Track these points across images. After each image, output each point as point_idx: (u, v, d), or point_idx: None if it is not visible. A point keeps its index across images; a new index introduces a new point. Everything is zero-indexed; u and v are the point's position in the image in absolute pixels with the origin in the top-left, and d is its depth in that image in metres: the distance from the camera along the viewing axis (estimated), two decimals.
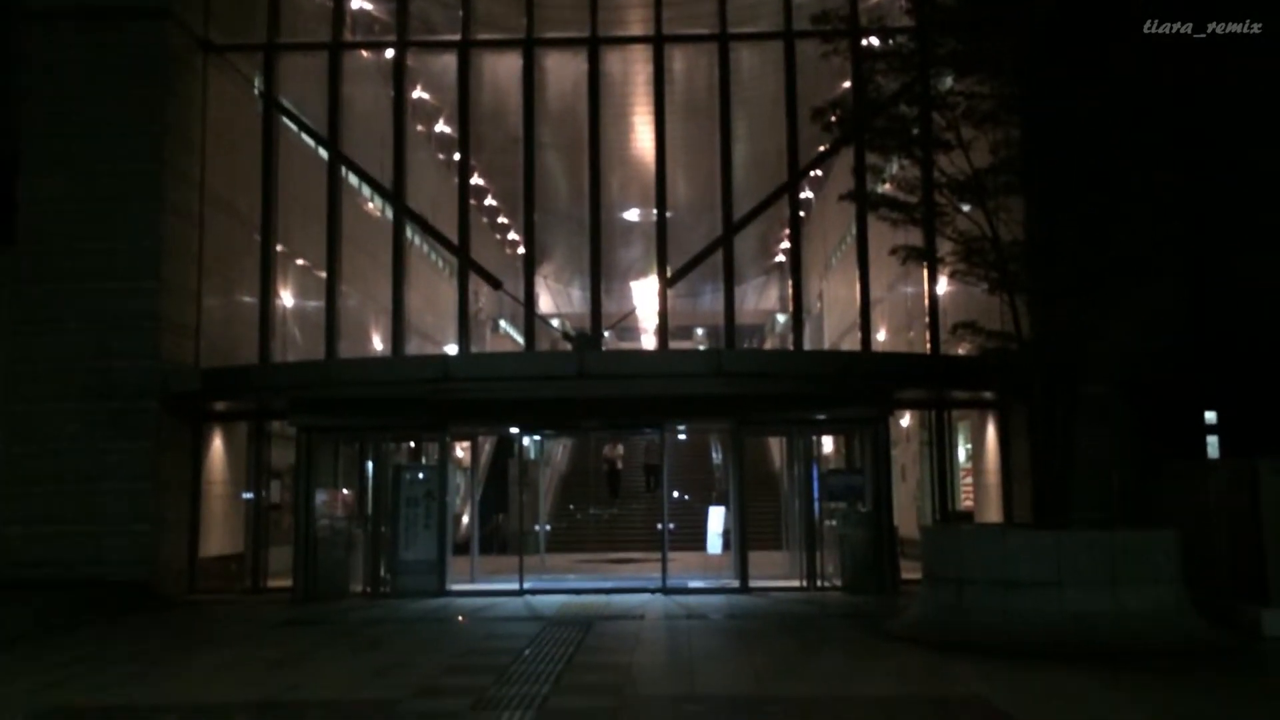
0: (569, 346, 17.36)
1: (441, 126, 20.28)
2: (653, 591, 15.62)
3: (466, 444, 21.36)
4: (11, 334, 15.93)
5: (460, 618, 13.59)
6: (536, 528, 17.15)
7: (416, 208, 18.65)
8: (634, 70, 19.18)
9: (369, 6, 18.62)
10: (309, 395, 15.48)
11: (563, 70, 18.63)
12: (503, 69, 18.77)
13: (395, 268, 17.45)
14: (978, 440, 17.81)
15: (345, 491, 16.96)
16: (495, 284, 16.76)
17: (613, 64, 18.62)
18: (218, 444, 17.49)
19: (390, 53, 18.14)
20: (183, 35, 16.78)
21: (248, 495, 17.39)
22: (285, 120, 18.38)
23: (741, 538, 15.86)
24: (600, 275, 17.83)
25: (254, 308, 18.05)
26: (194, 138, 16.94)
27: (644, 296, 29.28)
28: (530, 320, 17.07)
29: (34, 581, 14.71)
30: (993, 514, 16.44)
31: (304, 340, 19.29)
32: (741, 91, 18.50)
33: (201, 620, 14.18)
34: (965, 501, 17.59)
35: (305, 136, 18.87)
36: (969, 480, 18.15)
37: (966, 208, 12.69)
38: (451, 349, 22.92)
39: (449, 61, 18.23)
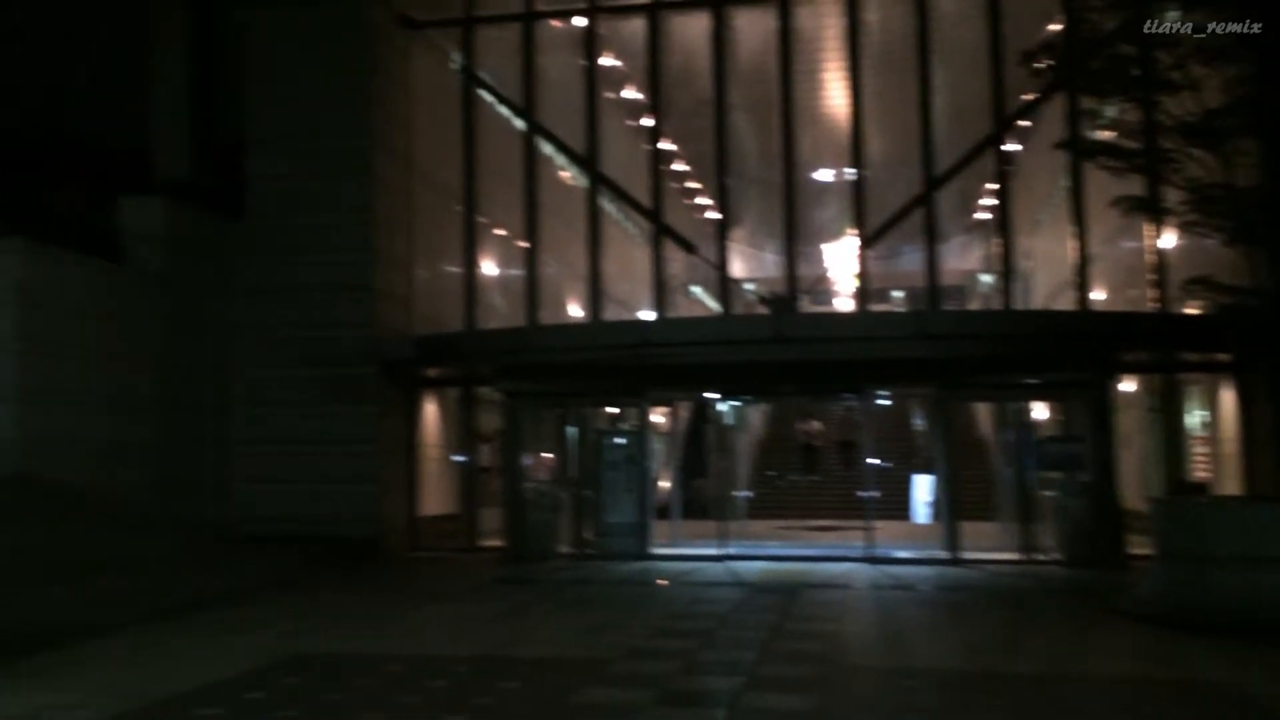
0: (764, 310, 17.12)
1: (630, 93, 20.24)
2: (857, 560, 15.30)
3: (665, 409, 21.51)
4: (245, 304, 17.03)
5: (661, 580, 13.70)
6: (735, 493, 17.08)
7: (609, 174, 18.76)
8: (824, 24, 18.56)
9: None
10: (513, 361, 15.90)
11: (752, 28, 18.24)
12: (692, 31, 18.52)
13: (590, 234, 17.63)
14: (1212, 406, 16.50)
15: (549, 456, 17.35)
16: (689, 248, 16.70)
17: (803, 18, 18.08)
18: (431, 409, 18.23)
19: (582, 20, 18.21)
20: (386, 12, 17.37)
21: (458, 458, 18.08)
22: (482, 92, 18.79)
23: (950, 507, 15.31)
24: (796, 237, 17.47)
25: (459, 277, 18.66)
26: (400, 112, 17.57)
27: (838, 259, 28.56)
28: (724, 285, 16.92)
29: (269, 537, 15.73)
30: (1231, 486, 15.22)
31: (506, 308, 19.81)
32: (940, 39, 17.63)
33: (422, 577, 14.83)
34: (1198, 472, 16.32)
35: (501, 108, 19.26)
36: (1202, 450, 16.85)
37: (1197, 153, 11.65)
38: (646, 314, 23.05)
39: (638, 26, 18.15)
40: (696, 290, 34.82)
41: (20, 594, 10.44)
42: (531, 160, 17.98)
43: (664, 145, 20.73)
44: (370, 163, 16.73)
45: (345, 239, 16.70)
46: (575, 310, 22.31)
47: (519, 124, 18.87)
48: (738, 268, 34.90)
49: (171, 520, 14.73)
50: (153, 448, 15.39)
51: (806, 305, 26.74)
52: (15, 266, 13.34)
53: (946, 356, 15.09)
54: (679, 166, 26.76)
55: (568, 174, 21.87)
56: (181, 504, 15.66)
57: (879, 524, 16.06)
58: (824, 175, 24.96)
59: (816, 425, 24.57)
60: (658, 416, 20.95)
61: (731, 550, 15.89)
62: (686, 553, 16.08)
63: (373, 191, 16.74)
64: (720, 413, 20.19)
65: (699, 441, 20.06)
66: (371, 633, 10.28)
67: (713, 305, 27.76)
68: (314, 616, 11.13)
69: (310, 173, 16.83)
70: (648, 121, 18.62)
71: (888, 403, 21.18)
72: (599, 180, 17.84)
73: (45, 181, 19.12)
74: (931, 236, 17.06)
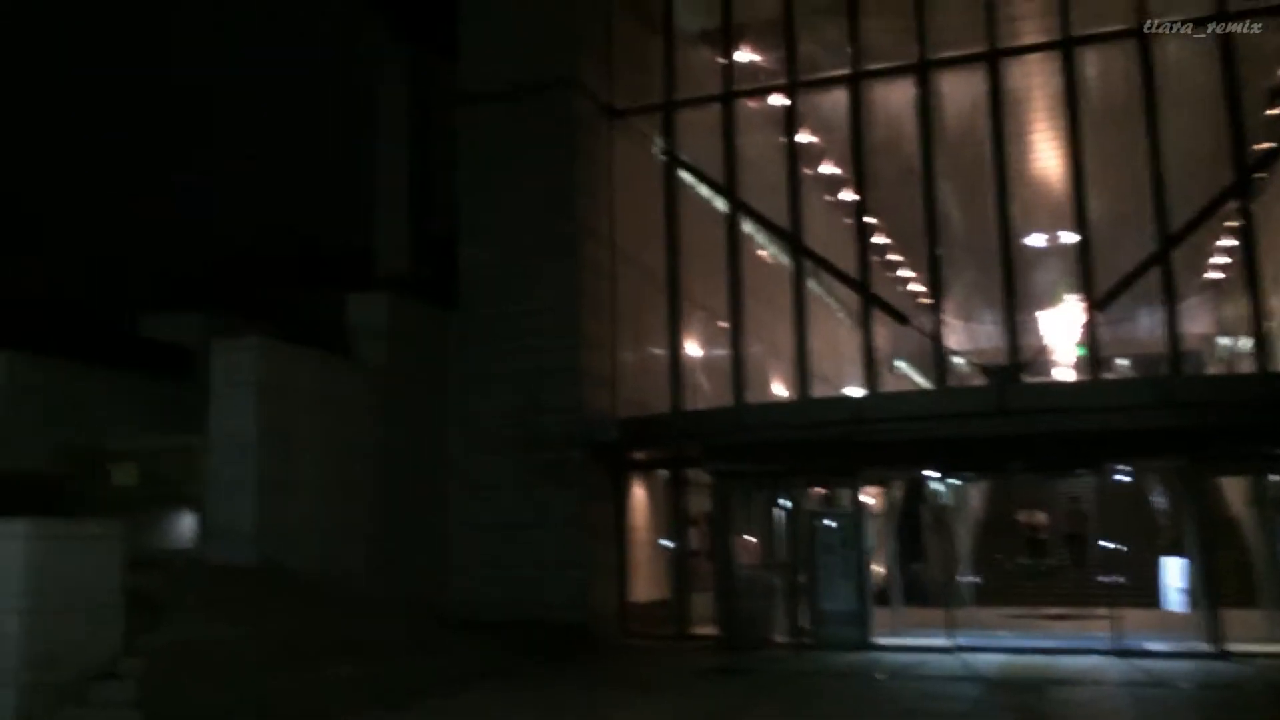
0: (984, 382, 16.16)
1: (830, 167, 19.94)
2: (1105, 653, 13.98)
3: (878, 488, 20.59)
4: (458, 391, 17.48)
5: (878, 675, 12.85)
6: (960, 578, 16.04)
7: (811, 250, 18.34)
8: (1034, 82, 17.79)
9: (755, 57, 18.77)
10: (722, 441, 15.58)
11: (957, 92, 17.64)
12: (894, 99, 18.08)
13: (796, 310, 17.19)
14: None
15: (760, 539, 16.83)
16: (902, 319, 16.03)
17: (1015, 78, 17.36)
18: (639, 492, 18.10)
19: (781, 97, 18.08)
20: (589, 102, 17.78)
21: (666, 542, 17.81)
22: (683, 174, 18.87)
23: (1211, 593, 13.82)
24: (1014, 304, 16.51)
25: (661, 358, 18.61)
26: (604, 197, 17.85)
27: (1056, 326, 26.94)
28: (939, 356, 16.07)
29: (484, 622, 15.83)
30: None
31: (709, 388, 19.57)
32: (1164, 90, 16.52)
33: (636, 667, 14.51)
34: None
35: (700, 189, 19.28)
36: None
37: None
38: (852, 390, 22.35)
39: (838, 99, 17.82)
40: (901, 365, 33.68)
41: (257, 683, 10.75)
42: (734, 239, 17.81)
43: (868, 218, 20.27)
44: (577, 248, 17.00)
45: (552, 323, 16.95)
46: (779, 389, 21.86)
47: (719, 204, 18.83)
48: (947, 340, 33.40)
49: (393, 605, 15.01)
50: (376, 535, 15.83)
51: (1026, 376, 25.12)
52: (255, 364, 14.11)
53: (1194, 426, 13.76)
54: (881, 239, 26.10)
55: (766, 253, 21.67)
56: (402, 589, 15.97)
57: (1122, 612, 14.67)
58: (1038, 240, 23.75)
59: (1041, 517, 22.60)
60: (868, 497, 20.09)
61: (962, 641, 14.84)
62: (911, 643, 15.15)
63: (579, 276, 16.97)
64: (938, 492, 19.19)
65: (914, 523, 19.07)
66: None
67: (919, 380, 26.70)
68: (533, 709, 10.96)
69: (519, 260, 17.24)
70: (849, 195, 18.22)
71: (1123, 479, 19.59)
72: (804, 255, 17.42)
73: (279, 281, 20.49)
74: (1171, 297, 15.72)
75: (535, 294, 17.08)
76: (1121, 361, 39.96)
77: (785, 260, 18.37)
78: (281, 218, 22.07)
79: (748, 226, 19.03)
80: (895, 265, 28.33)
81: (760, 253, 21.72)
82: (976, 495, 25.97)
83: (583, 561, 16.41)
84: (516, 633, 15.31)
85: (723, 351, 18.85)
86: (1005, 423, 13.44)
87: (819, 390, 21.13)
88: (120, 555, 10.30)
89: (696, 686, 12.46)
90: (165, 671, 10.03)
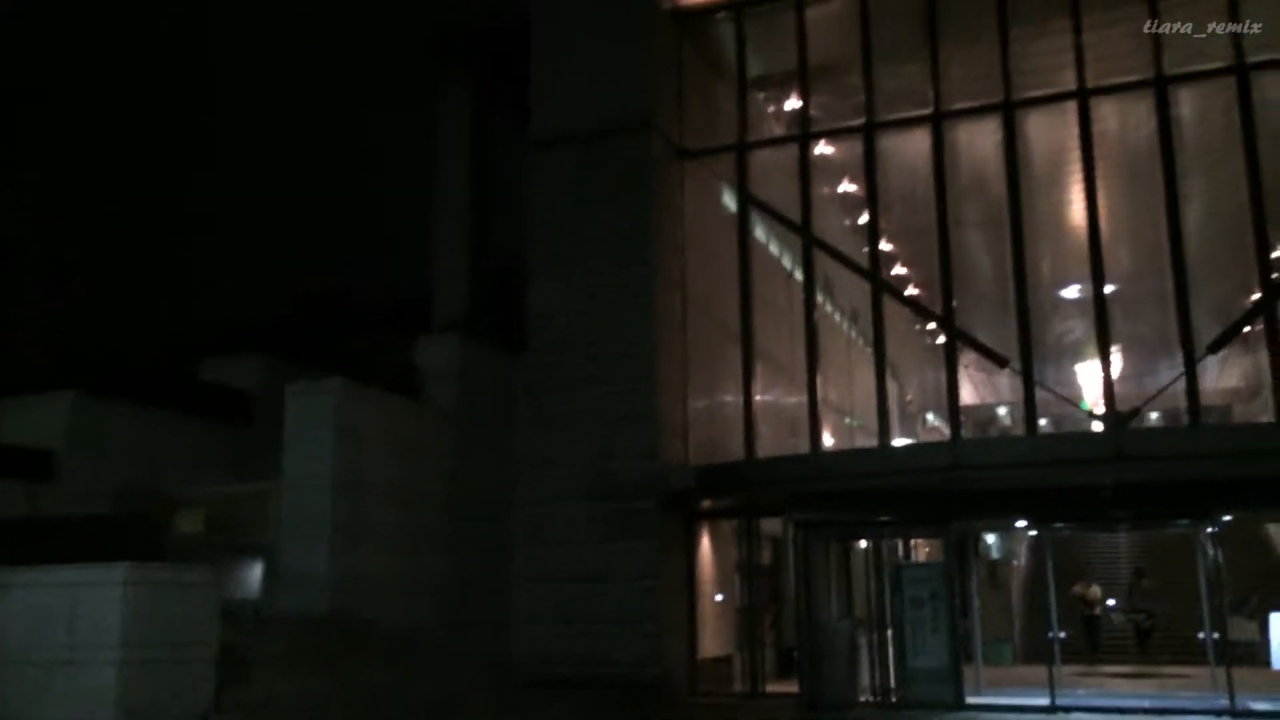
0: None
1: (904, 212, 19.65)
2: (1217, 713, 13.30)
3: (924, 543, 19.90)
4: (526, 437, 16.99)
5: None
6: (1051, 635, 15.36)
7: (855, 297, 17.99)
8: (1054, 133, 17.46)
9: (827, 99, 18.54)
10: (806, 489, 15.04)
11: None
12: (976, 141, 17.74)
13: (877, 358, 16.69)
14: None
15: (840, 592, 16.24)
16: (1001, 362, 15.49)
17: (1033, 127, 17.05)
18: (705, 543, 17.53)
19: (856, 140, 17.79)
20: (662, 145, 17.51)
21: (720, 596, 17.23)
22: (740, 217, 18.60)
23: None
24: (1136, 350, 15.82)
25: (729, 405, 18.16)
26: (675, 241, 17.50)
27: (1091, 378, 26.44)
28: (1030, 404, 15.46)
29: (557, 680, 15.21)
30: None
31: (771, 437, 19.09)
32: (1184, 140, 16.24)
33: None
34: None
35: (765, 236, 19.02)
36: None
37: None
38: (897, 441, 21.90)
39: (919, 140, 17.44)
40: (931, 418, 33.12)
41: None
42: (810, 281, 17.39)
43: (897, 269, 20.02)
44: (651, 292, 16.61)
45: (624, 369, 16.50)
46: (828, 439, 21.30)
47: (779, 256, 18.54)
48: (967, 394, 32.71)
49: (466, 659, 14.44)
50: (447, 585, 15.30)
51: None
52: (331, 407, 13.72)
53: None
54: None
55: (821, 300, 21.29)
56: (468, 641, 15.40)
57: (1219, 670, 14.00)
58: (1066, 292, 23.29)
59: (1096, 590, 21.61)
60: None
61: (1064, 701, 14.13)
62: (1008, 703, 14.44)
63: (653, 321, 16.56)
64: (989, 545, 18.43)
65: (990, 576, 18.44)
66: None
67: (945, 431, 26.18)
68: None
69: (590, 304, 16.85)
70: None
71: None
72: (889, 293, 16.87)
73: (338, 326, 20.16)
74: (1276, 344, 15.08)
75: (607, 339, 16.66)
76: (1153, 414, 39.17)
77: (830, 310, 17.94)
78: (339, 263, 21.82)
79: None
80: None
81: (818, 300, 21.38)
82: (1024, 554, 25.27)
83: (655, 616, 15.78)
84: (590, 691, 14.73)
85: (781, 400, 18.41)
86: (1121, 469, 12.86)
87: (860, 442, 20.64)
88: (216, 604, 9.80)
89: None
90: None
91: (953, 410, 15.61)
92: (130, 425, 14.88)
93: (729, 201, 19.20)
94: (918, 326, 28.69)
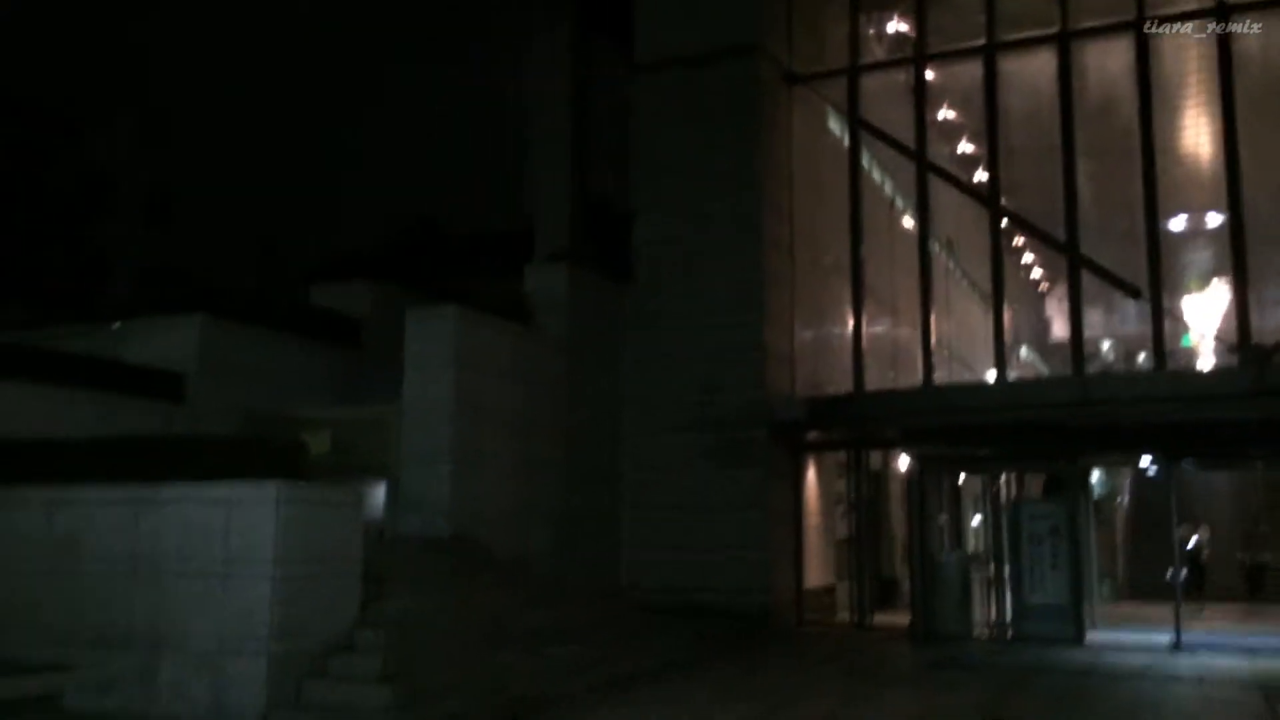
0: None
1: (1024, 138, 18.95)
2: None
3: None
4: (632, 368, 16.94)
5: (1139, 676, 11.96)
6: (1172, 572, 14.98)
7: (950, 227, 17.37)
8: (1187, 54, 16.53)
9: (939, 21, 17.86)
10: (924, 423, 14.80)
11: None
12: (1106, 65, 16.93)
13: (995, 289, 16.23)
14: None
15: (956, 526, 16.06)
16: (1134, 292, 14.91)
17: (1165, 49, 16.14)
18: (810, 474, 17.42)
19: (975, 62, 17.14)
20: (771, 69, 17.08)
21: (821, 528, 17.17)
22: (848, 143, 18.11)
23: None
24: (1243, 280, 15.06)
25: (834, 337, 17.91)
26: (783, 170, 17.15)
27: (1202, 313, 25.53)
28: (1159, 339, 14.87)
29: (658, 606, 15.29)
30: None
31: (871, 369, 18.79)
32: None
33: (840, 654, 13.82)
34: None
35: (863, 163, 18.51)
36: None
37: None
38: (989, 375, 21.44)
39: (1045, 60, 16.70)
40: (1025, 351, 32.38)
41: (483, 661, 10.33)
42: (924, 214, 16.92)
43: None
44: (759, 221, 16.34)
45: (733, 300, 16.31)
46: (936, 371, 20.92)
47: (885, 186, 18.04)
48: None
49: (580, 587, 14.56)
50: (559, 513, 15.38)
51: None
52: (451, 331, 13.72)
53: None
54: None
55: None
56: (576, 569, 15.52)
57: None
58: (1180, 223, 22.32)
59: (1205, 534, 20.80)
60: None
61: (1191, 639, 13.84)
62: (1128, 639, 14.21)
63: (762, 251, 16.31)
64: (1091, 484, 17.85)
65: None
66: (851, 714, 9.35)
67: (1042, 368, 25.50)
68: (775, 696, 10.35)
69: (697, 234, 16.64)
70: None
71: None
72: (1009, 219, 16.26)
73: (439, 255, 20.19)
74: None
75: (715, 269, 16.47)
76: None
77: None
78: (435, 194, 21.79)
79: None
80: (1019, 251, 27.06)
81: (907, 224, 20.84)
82: (1127, 492, 24.77)
83: (764, 545, 15.79)
84: (701, 617, 14.80)
85: (881, 332, 18.06)
86: (1266, 404, 12.36)
87: (958, 374, 20.15)
88: (360, 523, 9.93)
89: (931, 679, 11.72)
90: (401, 645, 9.65)
91: (1076, 343, 15.12)
92: (250, 349, 15.08)
93: (834, 128, 18.75)
94: (1015, 259, 28.04)
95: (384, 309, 17.53)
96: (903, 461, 20.54)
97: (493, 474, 14.26)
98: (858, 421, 16.01)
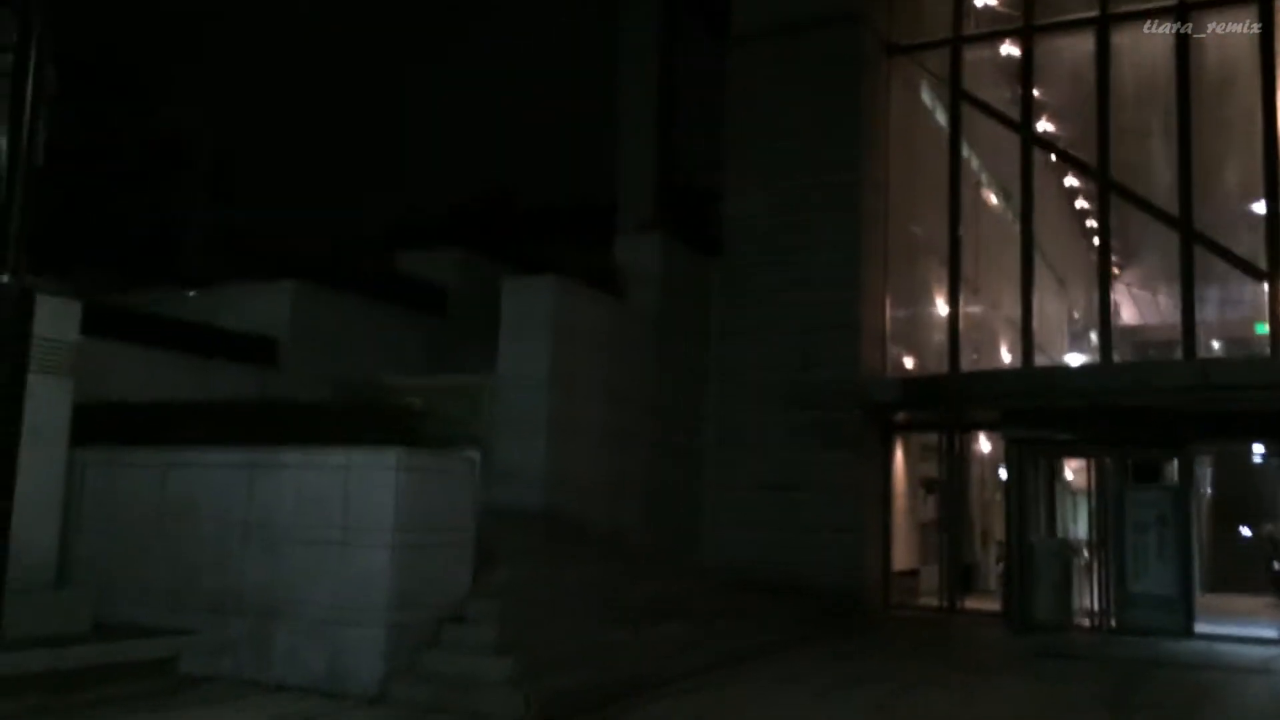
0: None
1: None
2: None
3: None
4: (720, 343, 16.64)
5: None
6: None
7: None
8: None
9: None
10: (1026, 404, 14.36)
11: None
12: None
13: (1101, 263, 15.69)
14: None
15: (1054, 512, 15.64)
16: (1259, 274, 14.28)
17: None
18: (899, 455, 17.06)
19: (1088, 34, 16.53)
20: (871, 39, 16.61)
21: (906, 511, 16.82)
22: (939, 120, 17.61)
23: None
24: None
25: (925, 315, 17.49)
26: (880, 143, 16.70)
27: None
28: (1277, 323, 14.25)
29: (749, 585, 15.01)
30: None
31: (970, 348, 18.31)
32: None
33: (936, 640, 13.53)
34: None
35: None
36: None
37: None
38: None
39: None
40: (1094, 338, 31.60)
41: (594, 636, 10.14)
42: (1028, 181, 16.36)
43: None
44: (857, 195, 15.92)
45: (828, 276, 15.91)
46: (1006, 356, 20.36)
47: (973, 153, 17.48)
48: (1126, 313, 30.81)
49: (676, 564, 14.36)
50: (641, 486, 15.16)
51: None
52: (549, 301, 13.51)
53: None
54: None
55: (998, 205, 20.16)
56: (663, 544, 15.31)
57: None
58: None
59: None
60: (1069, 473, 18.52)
61: None
62: (1235, 632, 13.73)
63: (859, 224, 15.90)
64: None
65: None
66: (969, 702, 9.05)
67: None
68: (886, 679, 10.07)
69: (790, 207, 16.24)
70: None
71: None
72: (1118, 192, 15.65)
73: (523, 225, 19.99)
74: None
75: (808, 244, 16.06)
76: None
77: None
78: (516, 164, 21.56)
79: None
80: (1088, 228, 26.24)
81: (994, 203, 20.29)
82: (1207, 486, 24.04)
83: (855, 526, 15.46)
84: (787, 597, 14.51)
85: (967, 311, 17.61)
86: None
87: (1038, 360, 19.56)
88: (473, 491, 9.75)
89: (1043, 668, 11.35)
90: (515, 616, 9.47)
91: (1188, 326, 14.54)
92: (340, 315, 14.99)
93: (928, 100, 18.26)
94: (1086, 241, 27.29)
95: (470, 278, 17.40)
96: (983, 445, 20.23)
97: (585, 446, 14.07)
98: (956, 403, 15.58)
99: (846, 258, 15.87)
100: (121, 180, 22.65)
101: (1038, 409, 14.40)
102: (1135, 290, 34.87)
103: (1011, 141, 16.87)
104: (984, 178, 19.34)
